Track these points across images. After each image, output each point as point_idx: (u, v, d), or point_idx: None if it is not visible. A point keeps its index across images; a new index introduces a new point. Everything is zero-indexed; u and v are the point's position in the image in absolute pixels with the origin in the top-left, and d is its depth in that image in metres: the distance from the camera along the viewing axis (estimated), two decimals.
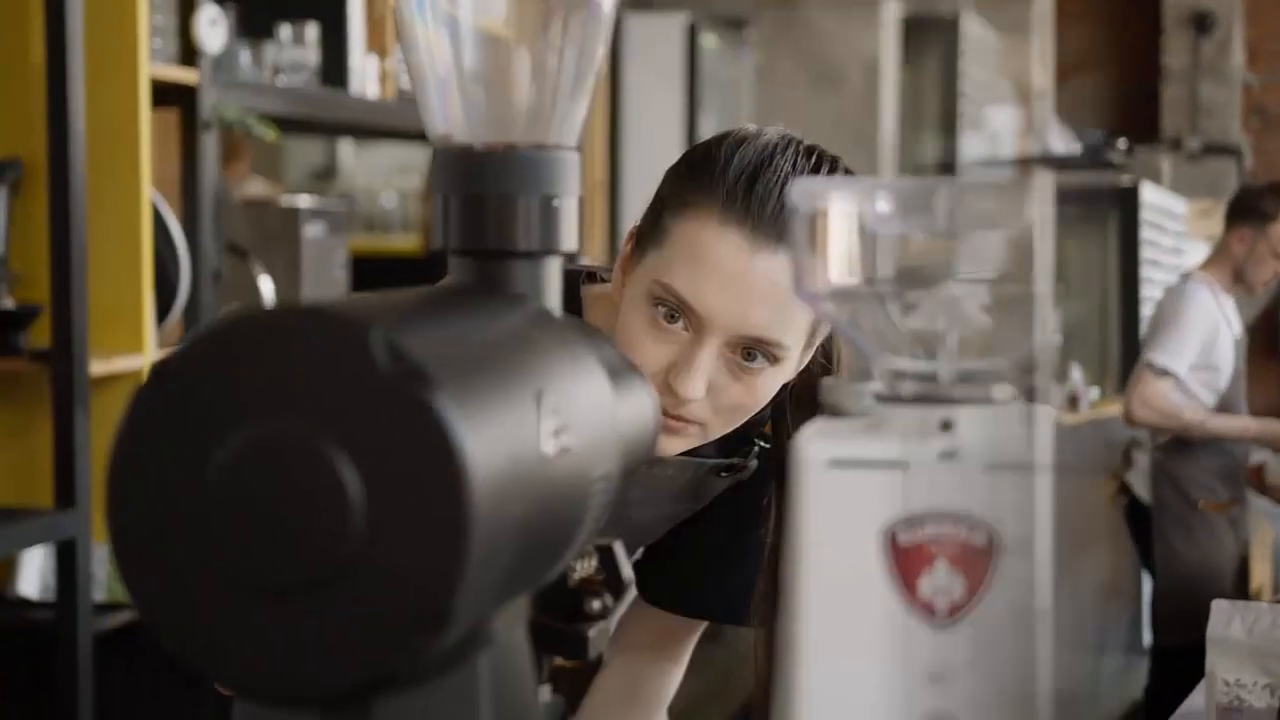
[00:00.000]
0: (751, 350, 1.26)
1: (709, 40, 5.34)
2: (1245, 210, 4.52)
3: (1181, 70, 9.43)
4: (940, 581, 0.72)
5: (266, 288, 3.07)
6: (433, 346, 0.68)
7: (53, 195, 2.50)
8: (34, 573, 2.70)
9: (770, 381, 1.29)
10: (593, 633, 0.84)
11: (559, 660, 0.87)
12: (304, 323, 0.66)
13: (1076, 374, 6.28)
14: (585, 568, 0.88)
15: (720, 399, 1.28)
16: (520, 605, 0.79)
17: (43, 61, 2.50)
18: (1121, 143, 6.41)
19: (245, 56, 3.10)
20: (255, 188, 4.18)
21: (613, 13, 0.89)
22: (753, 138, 1.25)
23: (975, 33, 6.61)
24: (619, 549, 0.90)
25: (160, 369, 0.68)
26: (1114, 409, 6.61)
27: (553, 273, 0.87)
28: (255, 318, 0.66)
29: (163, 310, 2.73)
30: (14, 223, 2.57)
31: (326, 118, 3.36)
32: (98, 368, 2.55)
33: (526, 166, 0.86)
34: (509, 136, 0.87)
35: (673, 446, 1.31)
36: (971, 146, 6.01)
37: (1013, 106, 6.02)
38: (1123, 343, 7.02)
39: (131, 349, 2.63)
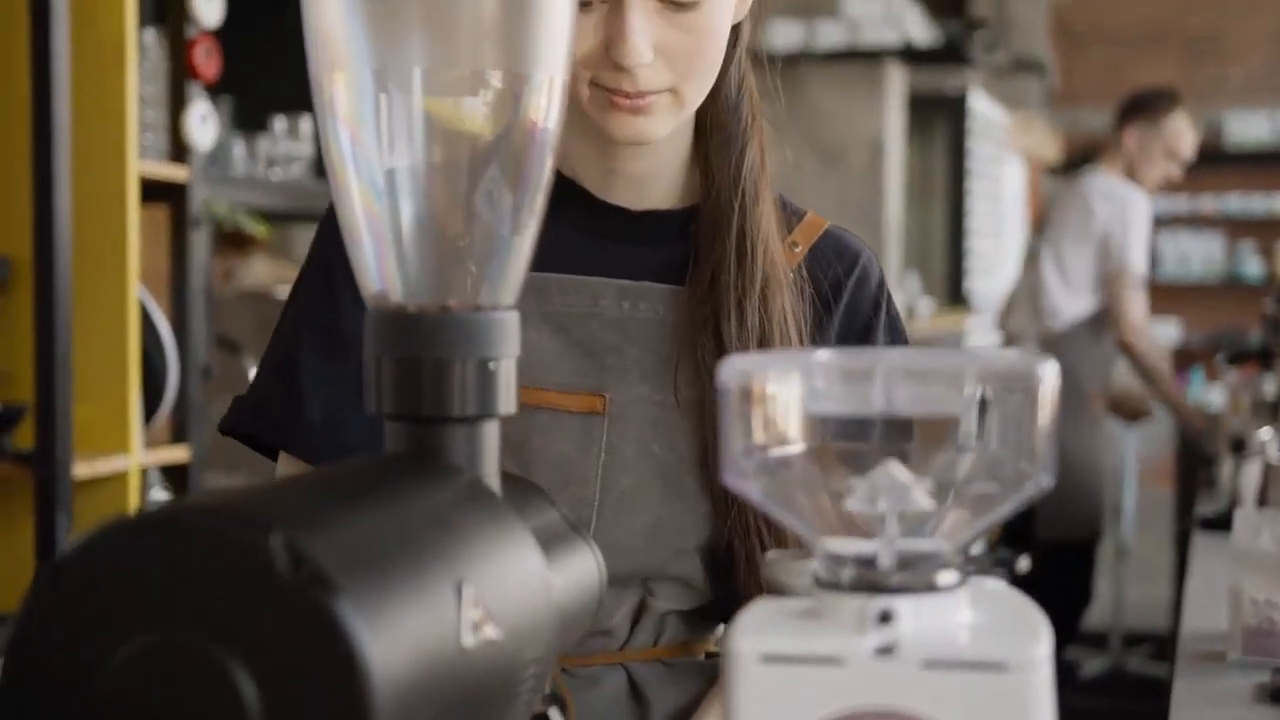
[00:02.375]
0: None
1: None
2: (1138, 109, 4.66)
3: None
4: None
5: None
6: (340, 545, 0.65)
7: (38, 294, 2.49)
8: None
9: (716, 17, 1.21)
10: None
11: None
12: (203, 524, 0.63)
13: (914, 283, 6.32)
14: None
15: (672, 55, 1.20)
16: None
17: (29, 158, 2.49)
18: (980, 36, 6.40)
19: (239, 149, 3.10)
20: (260, 267, 4.17)
21: (550, 173, 0.87)
22: None
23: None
24: (555, 716, 0.87)
25: (55, 569, 0.65)
26: (951, 321, 6.69)
27: (490, 436, 0.85)
28: (153, 518, 0.63)
29: (150, 409, 2.70)
30: (0, 321, 2.56)
31: (321, 210, 3.33)
32: (82, 470, 2.52)
33: (462, 329, 0.83)
34: (444, 298, 0.85)
35: (655, 129, 1.23)
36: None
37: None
38: (949, 254, 7.10)
39: (118, 449, 2.61)
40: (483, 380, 0.83)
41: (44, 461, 2.44)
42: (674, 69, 1.20)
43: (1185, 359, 10.22)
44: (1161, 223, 10.15)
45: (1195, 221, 10.19)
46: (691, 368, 1.27)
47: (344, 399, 1.21)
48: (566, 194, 1.31)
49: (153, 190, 2.74)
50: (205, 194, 2.81)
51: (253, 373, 3.09)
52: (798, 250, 1.32)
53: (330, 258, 1.30)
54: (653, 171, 1.32)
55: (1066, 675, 5.11)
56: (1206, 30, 10.09)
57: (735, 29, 1.29)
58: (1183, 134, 4.61)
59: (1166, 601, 5.70)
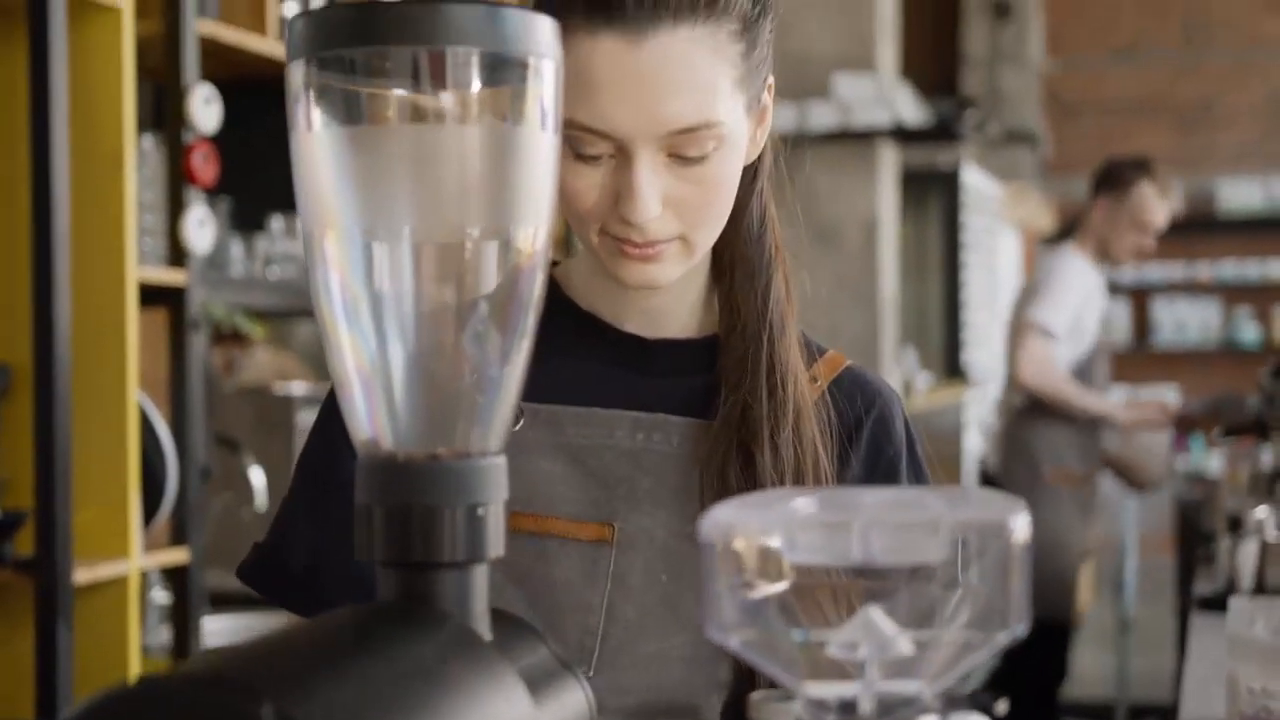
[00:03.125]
0: (686, 142, 1.16)
1: None
2: (1105, 181, 4.65)
3: (981, 57, 9.63)
4: None
5: (258, 479, 3.07)
6: (330, 708, 0.67)
7: (38, 401, 2.51)
8: None
9: (726, 166, 1.20)
10: None
11: None
12: (195, 695, 0.65)
13: (910, 359, 6.34)
14: None
15: (682, 207, 1.19)
16: None
17: (29, 264, 2.52)
18: (970, 115, 6.44)
19: (237, 248, 3.13)
20: (262, 358, 4.19)
21: (536, 318, 0.89)
22: None
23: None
24: None
25: None
26: (949, 395, 6.72)
27: (479, 579, 0.86)
28: (146, 689, 0.65)
29: (150, 512, 2.72)
30: (0, 428, 2.58)
31: None
32: (83, 575, 2.53)
33: (450, 476, 0.85)
34: (434, 445, 0.87)
35: (665, 274, 1.22)
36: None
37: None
38: (945, 327, 7.13)
39: (118, 554, 2.62)
40: (471, 526, 0.85)
41: (44, 569, 2.46)
42: (683, 220, 1.20)
43: (1184, 425, 10.24)
44: (1158, 289, 10.20)
45: (1191, 288, 10.24)
46: (717, 499, 1.27)
47: (338, 555, 1.22)
48: (583, 326, 1.32)
49: (151, 294, 2.76)
50: (203, 297, 2.84)
51: (253, 472, 3.10)
52: (817, 384, 1.31)
53: (330, 420, 1.31)
54: (669, 304, 1.32)
55: None
56: (1197, 99, 10.18)
57: (752, 168, 1.28)
58: (1149, 204, 4.60)
59: (1171, 673, 5.69)
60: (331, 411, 1.32)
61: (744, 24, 1.17)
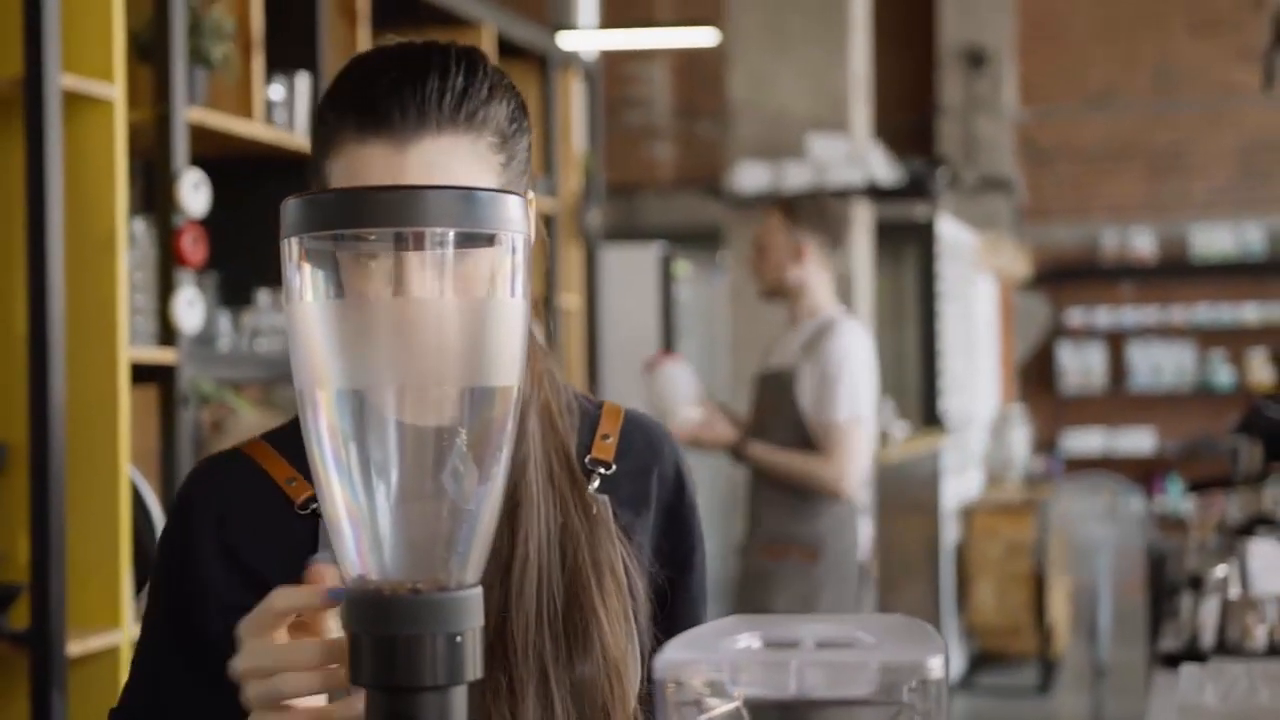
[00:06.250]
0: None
1: (682, 267, 5.48)
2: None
3: (956, 106, 9.78)
4: None
5: None
6: None
7: (33, 477, 2.59)
8: None
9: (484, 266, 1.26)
10: None
11: None
12: None
13: (888, 409, 6.43)
14: None
15: None
16: None
17: (25, 345, 2.61)
18: (942, 173, 6.56)
19: (225, 323, 3.22)
20: (248, 418, 4.26)
21: (509, 457, 0.98)
22: (356, 58, 1.26)
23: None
24: None
25: None
26: (926, 444, 6.83)
27: (459, 701, 0.95)
28: None
29: (140, 583, 2.80)
30: None
31: None
32: (75, 647, 2.61)
33: (430, 609, 0.95)
34: (416, 579, 0.96)
35: None
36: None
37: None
38: (923, 376, 7.24)
39: (109, 625, 2.70)
40: (451, 652, 0.94)
41: (39, 642, 2.53)
42: None
43: (1160, 467, 10.38)
44: (1133, 333, 10.34)
45: (1166, 332, 10.37)
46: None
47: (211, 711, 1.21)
48: None
49: (142, 372, 2.85)
50: (192, 374, 2.93)
51: None
52: (609, 440, 1.37)
53: (178, 563, 1.31)
54: None
55: None
56: (1169, 146, 10.33)
57: None
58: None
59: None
60: (183, 552, 1.31)
61: (502, 138, 1.27)
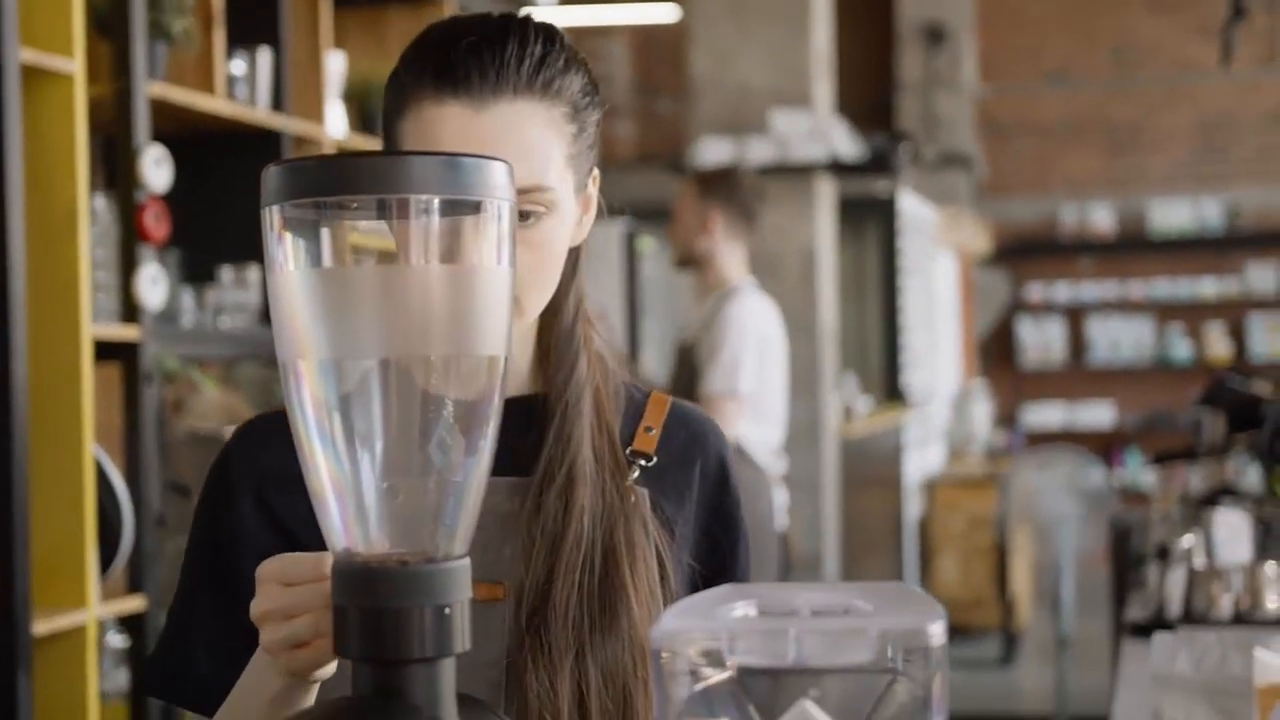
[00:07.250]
0: (521, 202, 1.22)
1: (646, 244, 5.47)
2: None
3: (915, 82, 9.82)
4: None
5: None
6: None
7: None
8: None
9: (554, 233, 1.27)
10: None
11: None
12: None
13: (851, 384, 6.47)
14: None
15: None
16: None
17: None
18: (904, 149, 6.59)
19: (188, 300, 3.18)
20: (211, 397, 4.22)
21: (495, 429, 0.97)
22: (435, 25, 1.28)
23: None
24: None
25: None
26: (889, 419, 6.87)
27: (447, 673, 0.94)
28: None
29: (106, 561, 2.77)
30: None
31: (269, 355, 3.44)
32: (41, 627, 2.59)
33: (418, 580, 0.93)
34: (402, 552, 0.95)
35: None
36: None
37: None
38: (885, 350, 7.30)
39: (75, 604, 2.67)
40: (439, 624, 0.93)
41: (4, 622, 2.50)
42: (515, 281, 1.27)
43: (1119, 440, 10.46)
44: (1092, 308, 10.39)
45: (1125, 307, 10.42)
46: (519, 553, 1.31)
47: (243, 652, 1.19)
48: None
49: (105, 349, 2.82)
50: (155, 351, 2.90)
51: None
52: (651, 433, 1.38)
53: (218, 513, 1.33)
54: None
55: None
56: (1128, 122, 10.37)
57: (574, 253, 1.35)
58: None
59: (1109, 690, 5.81)
60: (218, 502, 1.33)
61: (574, 109, 1.28)
